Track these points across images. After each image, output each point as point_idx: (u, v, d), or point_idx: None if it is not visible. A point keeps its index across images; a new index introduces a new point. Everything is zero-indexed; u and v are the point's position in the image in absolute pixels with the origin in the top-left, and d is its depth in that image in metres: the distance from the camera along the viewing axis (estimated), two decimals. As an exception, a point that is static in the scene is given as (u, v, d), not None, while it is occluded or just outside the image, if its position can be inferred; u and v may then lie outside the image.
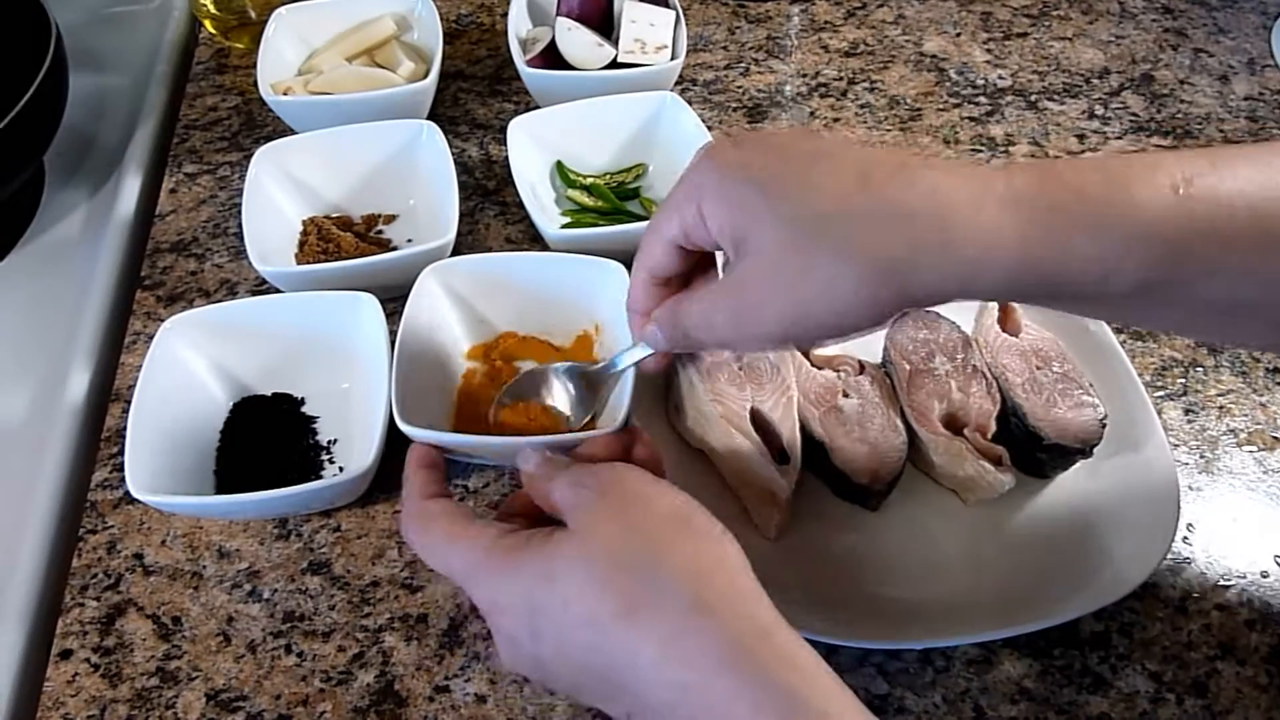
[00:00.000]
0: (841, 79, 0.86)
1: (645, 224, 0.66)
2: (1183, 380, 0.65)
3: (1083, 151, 0.79)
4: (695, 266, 0.47)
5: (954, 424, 0.57)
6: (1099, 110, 0.83)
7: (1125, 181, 0.37)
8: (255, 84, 0.76)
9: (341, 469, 0.59)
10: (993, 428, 0.56)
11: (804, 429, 0.56)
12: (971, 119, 0.82)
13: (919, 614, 0.52)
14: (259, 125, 0.81)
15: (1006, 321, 0.61)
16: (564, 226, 0.70)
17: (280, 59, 0.79)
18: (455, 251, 0.66)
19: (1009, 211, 0.37)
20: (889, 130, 0.81)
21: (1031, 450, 0.56)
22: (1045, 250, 0.37)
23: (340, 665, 0.53)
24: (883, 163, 0.39)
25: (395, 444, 0.56)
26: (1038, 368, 0.58)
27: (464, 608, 0.54)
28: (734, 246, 0.41)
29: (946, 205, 0.37)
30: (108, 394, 0.65)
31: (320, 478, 0.58)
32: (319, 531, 0.58)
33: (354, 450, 0.59)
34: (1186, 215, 0.36)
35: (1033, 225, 0.37)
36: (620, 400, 0.56)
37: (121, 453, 0.60)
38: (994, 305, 0.61)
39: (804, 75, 0.86)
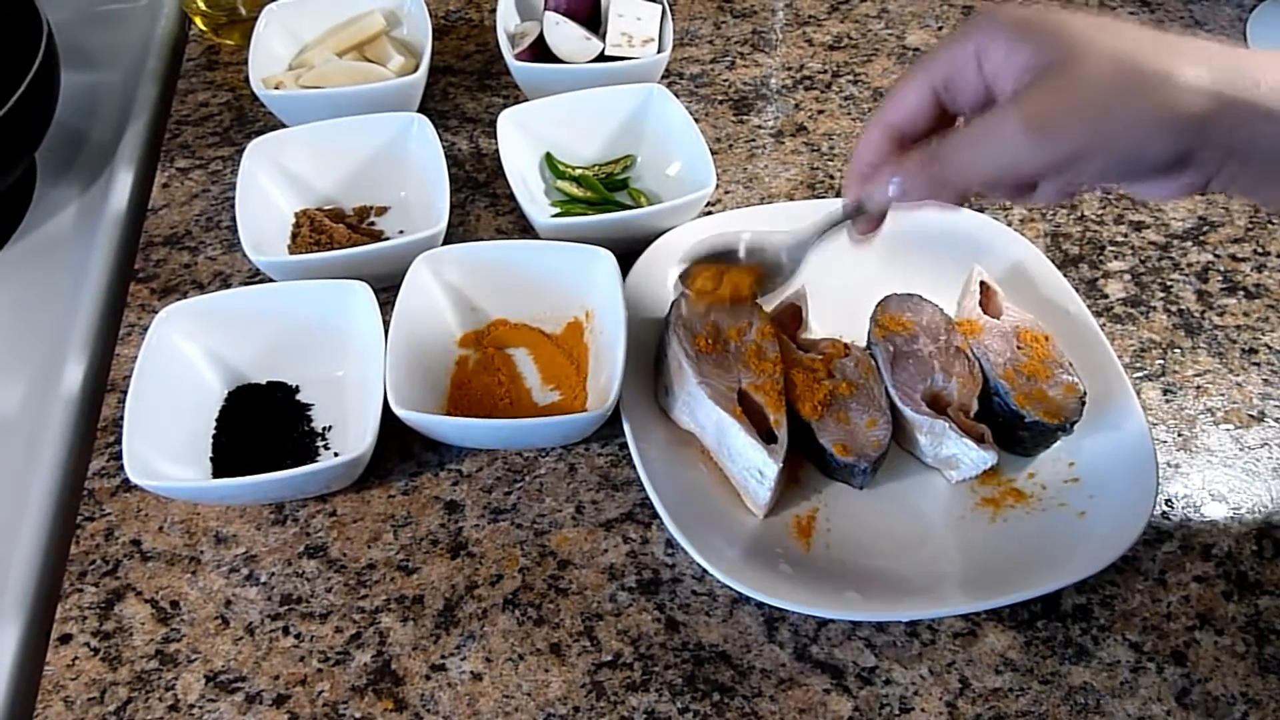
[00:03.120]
0: (826, 72, 0.87)
1: (634, 213, 0.68)
2: (1161, 361, 0.66)
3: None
4: (931, 131, 0.46)
5: (937, 404, 0.58)
6: (1078, 101, 0.84)
7: None
8: (245, 80, 0.77)
9: (337, 454, 0.59)
10: (975, 407, 0.57)
11: (791, 409, 0.57)
12: (953, 110, 0.83)
13: (905, 587, 0.53)
14: (250, 120, 0.82)
15: (988, 304, 0.62)
16: (553, 217, 0.71)
17: (271, 54, 0.79)
18: (446, 242, 0.67)
19: None
20: (873, 121, 0.82)
21: (1013, 428, 0.57)
22: None
23: (338, 646, 0.53)
24: (1161, 36, 0.40)
25: (389, 430, 0.57)
26: (1018, 348, 0.59)
27: (457, 589, 0.55)
28: (1016, 80, 0.41)
29: (1253, 64, 0.39)
30: (103, 385, 0.65)
31: (315, 463, 0.59)
32: (315, 516, 0.58)
33: (349, 436, 0.60)
34: None
35: None
36: (611, 381, 0.57)
37: (118, 442, 0.61)
38: (976, 287, 0.62)
39: (789, 68, 0.87)
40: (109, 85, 0.85)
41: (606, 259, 0.62)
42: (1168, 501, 0.59)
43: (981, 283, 0.63)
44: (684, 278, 0.56)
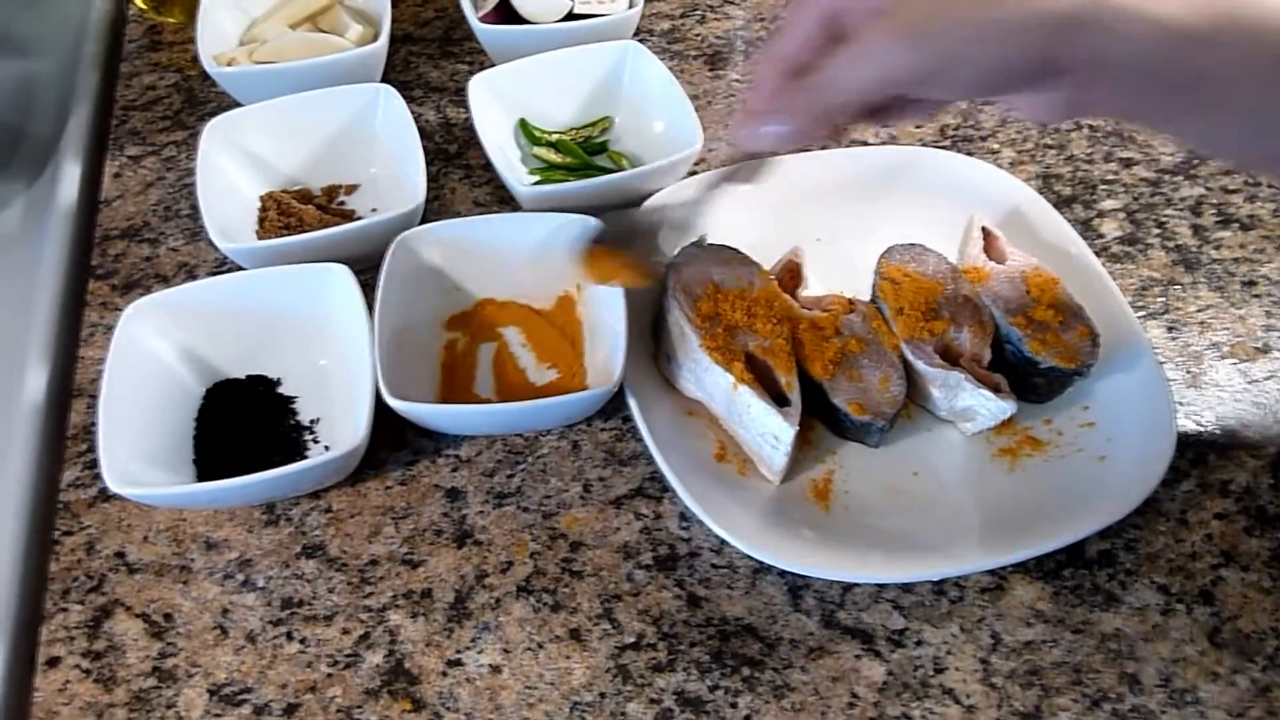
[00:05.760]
0: (799, 21, 0.84)
1: (621, 176, 0.65)
2: (1163, 299, 0.65)
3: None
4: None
5: (949, 355, 0.56)
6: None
7: None
8: (193, 59, 0.73)
9: (327, 448, 0.56)
10: (988, 356, 0.56)
11: (800, 370, 0.55)
12: (932, 54, 0.81)
13: (929, 546, 0.52)
14: (201, 101, 0.78)
15: (991, 250, 0.61)
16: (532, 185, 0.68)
17: (219, 31, 0.75)
18: (423, 219, 0.63)
19: None
20: (851, 70, 0.80)
21: (1028, 375, 0.56)
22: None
23: (346, 648, 0.51)
24: None
25: (380, 417, 0.54)
26: (1027, 293, 0.57)
27: (466, 579, 0.53)
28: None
29: None
30: (69, 390, 0.61)
31: (304, 458, 0.56)
32: (309, 514, 0.56)
33: (339, 428, 0.57)
34: None
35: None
36: (613, 355, 0.55)
37: (91, 450, 0.57)
38: (978, 234, 0.61)
39: (762, 20, 0.84)
40: (45, 74, 0.80)
41: (597, 228, 0.60)
42: (1182, 440, 0.58)
43: (983, 228, 0.61)
44: (583, 260, 0.56)
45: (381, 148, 0.69)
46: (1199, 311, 0.64)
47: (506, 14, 0.76)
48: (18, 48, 0.82)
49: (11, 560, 0.54)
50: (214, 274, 0.66)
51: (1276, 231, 0.68)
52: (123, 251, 0.68)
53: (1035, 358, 0.55)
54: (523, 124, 0.72)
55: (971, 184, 0.66)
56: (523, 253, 0.62)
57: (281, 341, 0.59)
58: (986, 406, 0.54)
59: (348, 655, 0.51)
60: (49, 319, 0.64)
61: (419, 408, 0.54)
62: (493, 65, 0.72)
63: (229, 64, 0.72)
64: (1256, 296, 0.65)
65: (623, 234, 0.57)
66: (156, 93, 0.79)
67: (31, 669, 0.51)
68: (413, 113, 0.68)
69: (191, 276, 0.66)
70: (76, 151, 0.75)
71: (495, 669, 0.50)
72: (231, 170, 0.67)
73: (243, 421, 0.57)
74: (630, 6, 0.75)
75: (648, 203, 0.59)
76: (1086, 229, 0.69)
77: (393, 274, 0.58)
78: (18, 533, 0.55)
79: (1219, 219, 0.69)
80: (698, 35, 0.83)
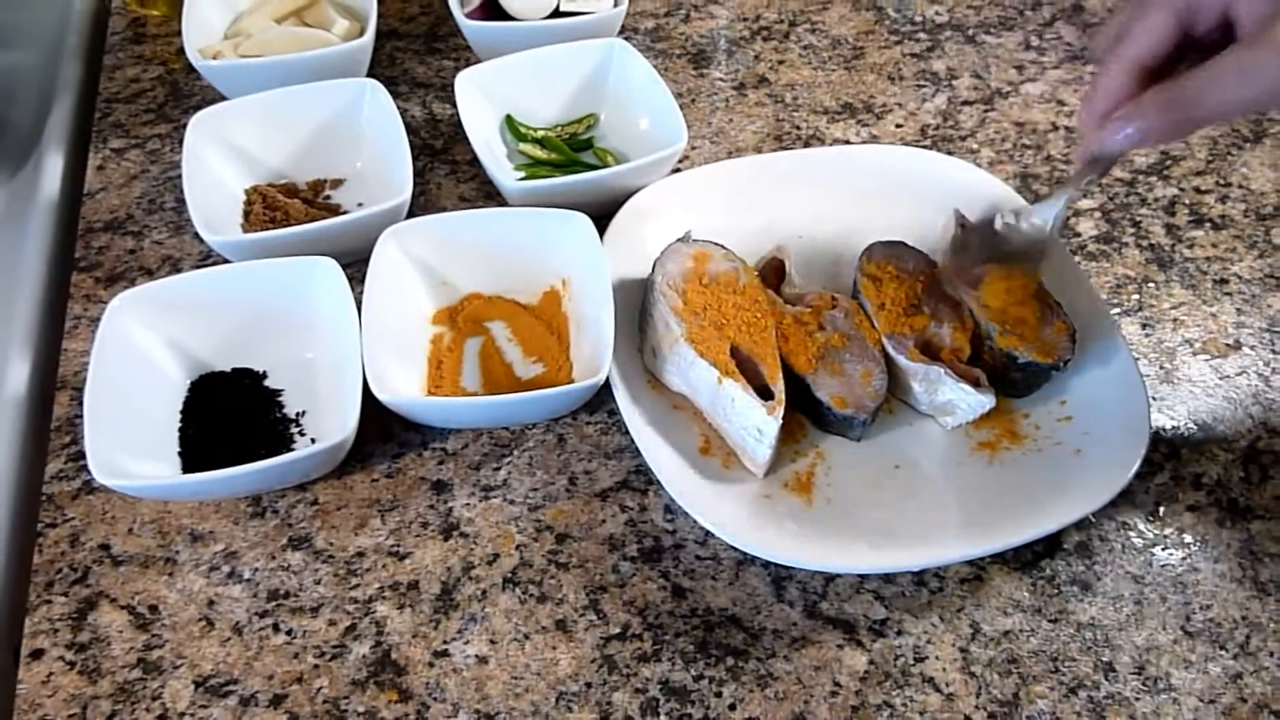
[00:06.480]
0: (783, 21, 0.85)
1: (606, 172, 0.65)
2: (1137, 296, 0.66)
3: (1022, 83, 0.80)
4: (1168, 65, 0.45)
5: (930, 350, 0.57)
6: (1034, 41, 0.84)
7: None
8: (178, 52, 0.73)
9: (313, 440, 0.57)
10: (968, 351, 0.57)
11: (784, 364, 0.56)
12: (914, 55, 0.83)
13: (910, 537, 0.53)
14: (186, 95, 0.78)
15: (971, 247, 0.61)
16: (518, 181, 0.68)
17: (205, 24, 0.75)
18: (409, 214, 0.64)
19: None
20: (834, 70, 0.81)
21: (1006, 370, 0.57)
22: None
23: (333, 639, 0.51)
24: None
25: (366, 411, 0.54)
26: (1006, 290, 0.58)
27: (452, 572, 0.53)
28: (1253, 7, 0.41)
29: None
30: (53, 383, 0.61)
31: (291, 451, 0.56)
32: (295, 506, 0.56)
33: (325, 421, 0.57)
34: None
35: None
36: (600, 349, 0.55)
37: (75, 442, 0.57)
38: (958, 232, 0.61)
39: (745, 19, 0.85)
40: (28, 66, 0.80)
41: (583, 223, 0.60)
42: (1156, 434, 0.59)
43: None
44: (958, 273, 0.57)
45: (367, 143, 0.69)
46: (1172, 309, 0.66)
47: (492, 10, 0.76)
48: (1, 39, 0.81)
49: (-5, 553, 0.54)
50: (199, 267, 0.66)
51: (1248, 231, 0.70)
52: (106, 244, 0.68)
53: (1013, 353, 0.56)
54: (509, 120, 0.72)
55: (951, 183, 0.67)
56: (509, 248, 0.62)
57: (268, 335, 0.59)
58: (966, 400, 0.55)
59: (334, 646, 0.51)
60: (32, 312, 0.64)
61: (406, 401, 0.54)
62: (478, 61, 0.73)
63: (214, 57, 0.72)
64: (1228, 294, 0.66)
65: (992, 250, 0.56)
66: (140, 85, 0.79)
67: (15, 661, 0.50)
68: (399, 108, 0.69)
69: (176, 269, 0.66)
70: (59, 144, 0.74)
71: (482, 660, 0.50)
72: (217, 164, 0.67)
73: (228, 414, 0.57)
74: (615, 5, 0.76)
75: (990, 216, 0.56)
76: (1064, 227, 0.70)
77: (380, 268, 0.59)
78: (1, 525, 0.55)
79: (1192, 219, 0.71)
80: (682, 34, 0.84)
